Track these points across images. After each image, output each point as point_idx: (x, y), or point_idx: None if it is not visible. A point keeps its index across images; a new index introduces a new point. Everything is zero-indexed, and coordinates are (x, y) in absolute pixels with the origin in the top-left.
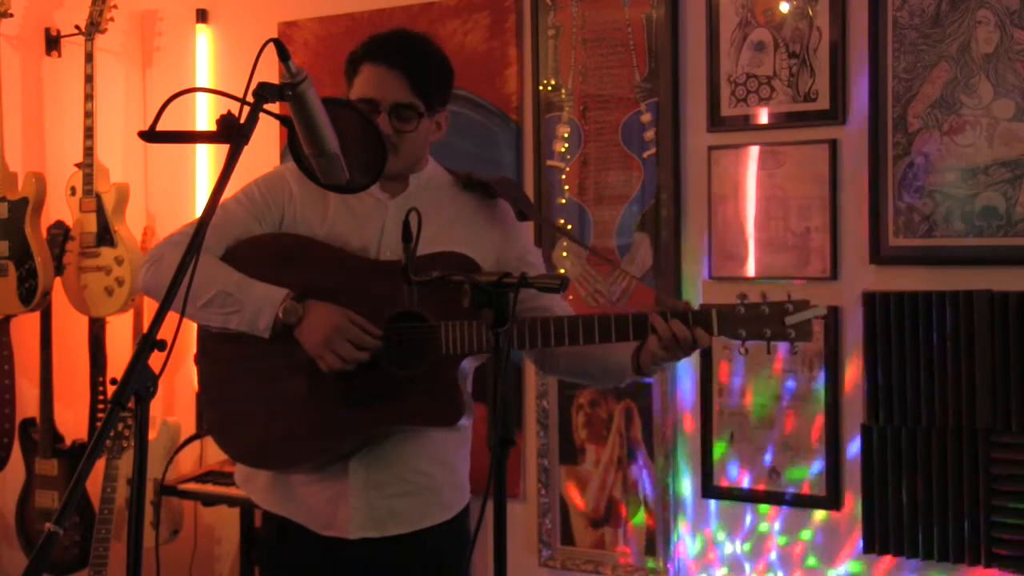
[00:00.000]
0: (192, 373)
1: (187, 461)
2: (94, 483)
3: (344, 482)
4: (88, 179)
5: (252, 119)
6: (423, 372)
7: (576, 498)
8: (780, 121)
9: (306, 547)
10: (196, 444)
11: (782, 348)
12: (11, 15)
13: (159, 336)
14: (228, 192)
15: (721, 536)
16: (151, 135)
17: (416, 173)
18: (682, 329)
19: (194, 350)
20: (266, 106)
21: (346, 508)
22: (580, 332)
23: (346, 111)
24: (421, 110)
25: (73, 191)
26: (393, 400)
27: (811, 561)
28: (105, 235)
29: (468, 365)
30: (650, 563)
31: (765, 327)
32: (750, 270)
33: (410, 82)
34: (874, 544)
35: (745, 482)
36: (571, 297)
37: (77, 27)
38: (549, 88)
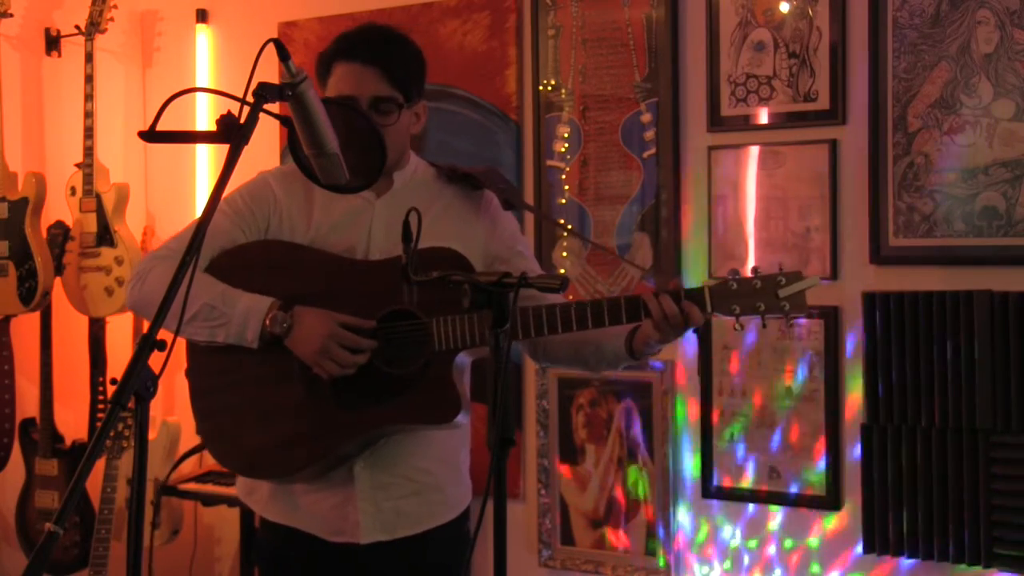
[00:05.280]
0: None
1: (187, 461)
2: (94, 483)
3: (350, 487)
4: (88, 179)
5: (252, 119)
6: (417, 370)
7: (576, 498)
8: (780, 121)
9: (313, 555)
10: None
11: (778, 346)
12: (11, 15)
13: (159, 336)
14: (227, 193)
15: (721, 536)
16: (151, 135)
17: (400, 170)
18: (671, 305)
19: (184, 363)
20: (266, 106)
21: (355, 513)
22: (573, 318)
23: (346, 111)
24: (400, 101)
25: (73, 191)
26: (389, 400)
27: (811, 561)
28: (105, 235)
29: (464, 360)
30: (650, 563)
31: (758, 301)
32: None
33: (386, 75)
34: (874, 544)
35: (745, 482)
36: (570, 297)
37: (77, 27)
38: (549, 88)
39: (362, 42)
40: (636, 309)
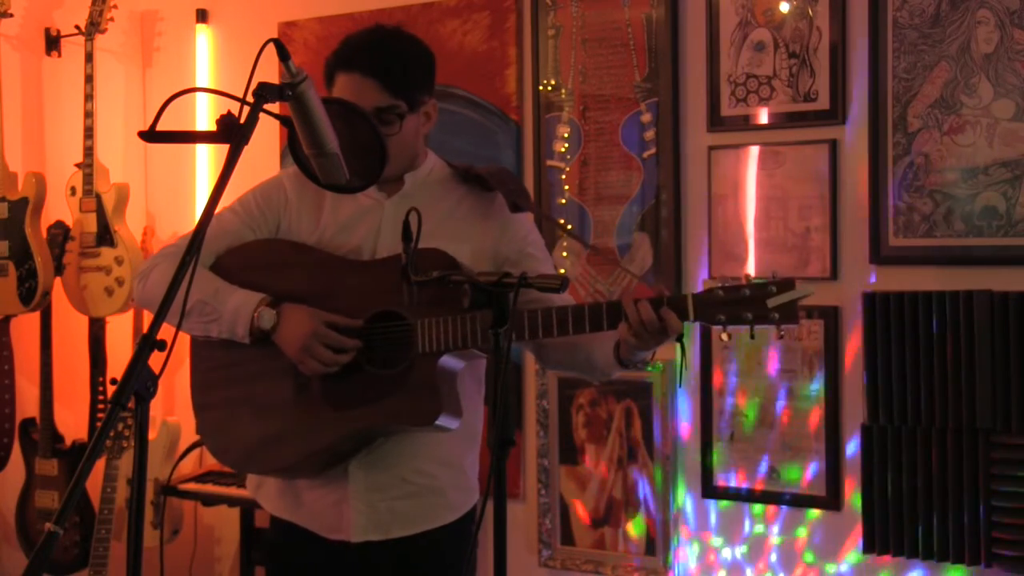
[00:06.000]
0: None
1: (187, 461)
2: (94, 483)
3: (345, 486)
4: (88, 179)
5: (252, 119)
6: (402, 371)
7: (576, 498)
8: (780, 121)
9: (313, 551)
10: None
11: (776, 346)
12: (11, 15)
13: (159, 336)
14: (228, 193)
15: (721, 536)
16: (151, 135)
17: (412, 171)
18: (648, 312)
19: (185, 362)
20: (266, 106)
21: (349, 512)
22: (554, 323)
23: (346, 111)
24: (403, 110)
25: (73, 191)
26: (374, 400)
27: (811, 561)
28: (105, 235)
29: (455, 363)
30: (650, 563)
31: (746, 311)
32: (750, 270)
33: (386, 86)
34: (874, 544)
35: (745, 482)
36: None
37: (77, 27)
38: (549, 88)
39: (362, 51)
40: (617, 314)
